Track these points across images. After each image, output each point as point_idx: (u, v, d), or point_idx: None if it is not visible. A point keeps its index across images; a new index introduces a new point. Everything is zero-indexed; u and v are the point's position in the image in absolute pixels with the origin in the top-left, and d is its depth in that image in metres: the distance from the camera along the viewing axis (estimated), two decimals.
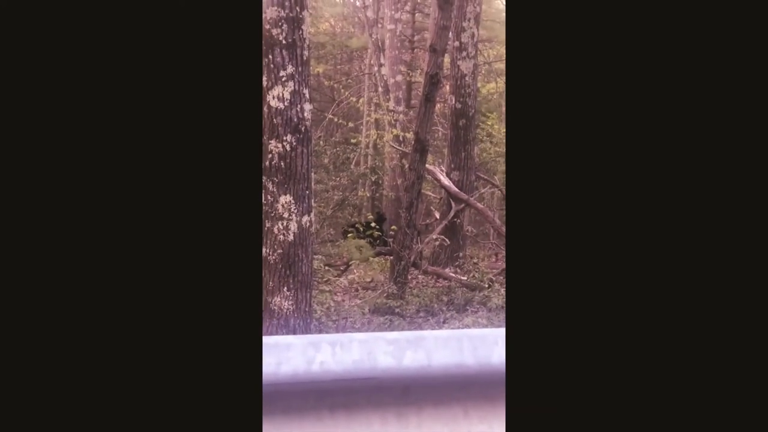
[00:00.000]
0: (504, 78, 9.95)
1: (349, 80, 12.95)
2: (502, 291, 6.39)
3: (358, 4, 12.32)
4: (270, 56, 4.01)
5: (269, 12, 3.98)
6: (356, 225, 8.67)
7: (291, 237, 4.08)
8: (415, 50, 12.57)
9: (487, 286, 6.83)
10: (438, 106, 8.95)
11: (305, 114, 4.11)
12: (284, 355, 1.65)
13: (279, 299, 4.09)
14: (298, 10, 4.03)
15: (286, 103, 4.04)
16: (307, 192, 4.16)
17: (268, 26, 3.99)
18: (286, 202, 4.07)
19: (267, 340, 1.68)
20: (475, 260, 8.30)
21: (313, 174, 4.33)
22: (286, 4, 3.98)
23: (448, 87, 8.98)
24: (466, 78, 8.24)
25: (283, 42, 4.00)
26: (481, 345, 1.75)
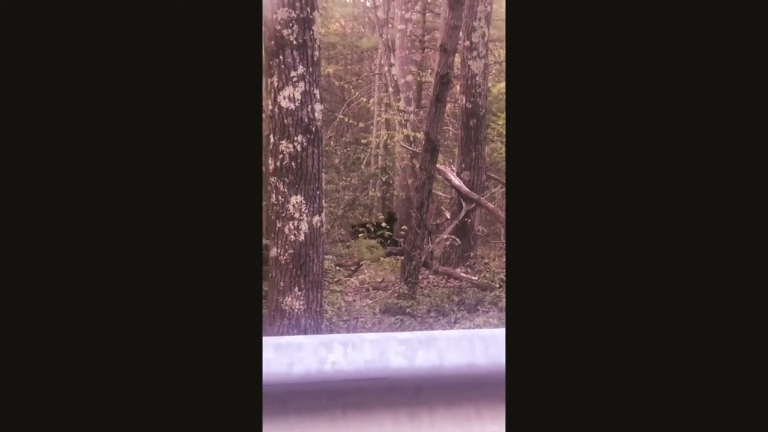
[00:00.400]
0: None
1: (360, 80, 12.96)
2: None
3: (368, 4, 12.33)
4: (281, 57, 4.02)
5: (280, 13, 3.99)
6: (367, 225, 8.67)
7: (302, 237, 4.09)
8: (426, 50, 12.55)
9: (498, 286, 6.82)
10: (448, 105, 8.94)
11: (316, 114, 4.12)
12: (296, 355, 1.65)
13: (290, 299, 4.10)
14: (309, 10, 4.03)
15: (296, 104, 4.04)
16: (318, 192, 4.17)
17: (278, 27, 4.00)
18: (296, 203, 4.07)
19: (279, 340, 1.69)
20: (486, 260, 8.28)
21: (323, 174, 4.34)
22: (297, 5, 3.99)
23: (458, 87, 8.97)
24: (477, 78, 8.22)
25: (294, 42, 4.00)
26: (493, 345, 1.75)
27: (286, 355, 1.65)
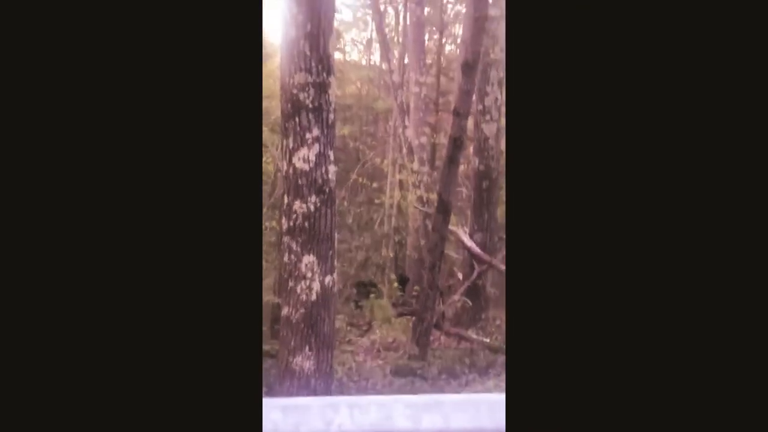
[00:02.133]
0: None
1: (374, 141, 13.10)
2: None
3: (384, 67, 12.54)
4: (296, 119, 4.11)
5: (297, 77, 4.10)
6: (378, 285, 8.65)
7: (314, 297, 4.11)
8: (440, 113, 12.71)
9: None
10: (461, 167, 9.02)
11: (330, 175, 4.19)
12: (303, 418, 1.66)
13: (300, 359, 4.09)
14: (325, 75, 4.15)
15: (311, 165, 4.12)
16: (330, 252, 4.20)
17: (295, 90, 4.11)
18: (309, 262, 4.11)
19: (286, 402, 1.70)
20: (498, 322, 8.21)
21: (336, 234, 4.38)
22: (314, 70, 4.10)
23: (471, 149, 9.06)
24: (490, 140, 8.33)
25: (310, 106, 4.11)
26: (500, 409, 1.74)
27: (293, 417, 1.65)
